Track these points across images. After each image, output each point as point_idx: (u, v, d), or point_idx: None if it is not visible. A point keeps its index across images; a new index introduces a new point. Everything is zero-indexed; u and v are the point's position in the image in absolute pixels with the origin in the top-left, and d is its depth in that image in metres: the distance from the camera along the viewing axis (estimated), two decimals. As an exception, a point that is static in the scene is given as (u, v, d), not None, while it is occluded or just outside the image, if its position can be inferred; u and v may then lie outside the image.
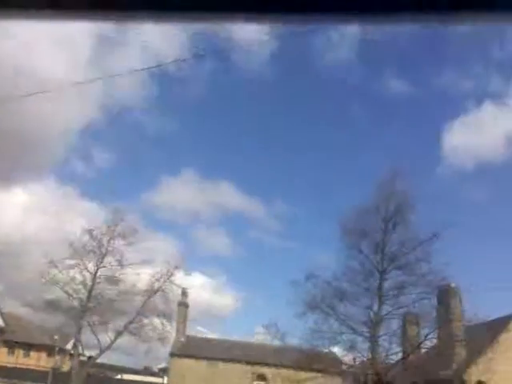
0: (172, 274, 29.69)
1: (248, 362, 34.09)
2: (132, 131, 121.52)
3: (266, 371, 33.91)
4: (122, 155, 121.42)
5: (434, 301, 22.99)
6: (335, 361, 25.80)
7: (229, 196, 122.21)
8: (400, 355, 24.30)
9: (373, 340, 22.50)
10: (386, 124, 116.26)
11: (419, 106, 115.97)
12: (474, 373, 23.65)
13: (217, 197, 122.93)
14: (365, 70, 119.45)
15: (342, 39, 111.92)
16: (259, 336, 24.34)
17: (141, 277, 29.17)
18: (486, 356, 23.93)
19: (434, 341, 24.32)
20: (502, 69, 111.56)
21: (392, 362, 23.86)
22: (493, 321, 23.15)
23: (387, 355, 23.52)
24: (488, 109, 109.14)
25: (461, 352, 24.74)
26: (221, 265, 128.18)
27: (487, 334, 24.22)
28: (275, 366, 33.30)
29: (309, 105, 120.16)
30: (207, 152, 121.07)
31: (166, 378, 39.40)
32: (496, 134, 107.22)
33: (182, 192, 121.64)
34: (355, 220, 23.65)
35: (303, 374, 27.94)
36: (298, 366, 28.39)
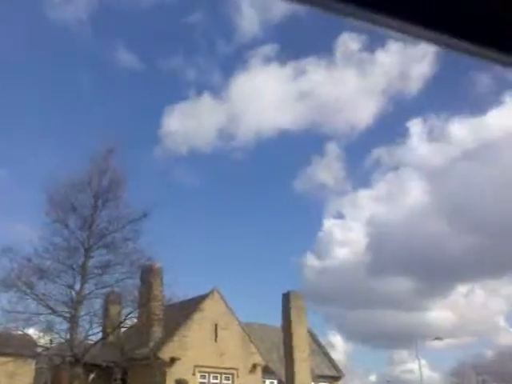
0: None
1: None
2: None
3: None
4: None
5: (138, 280, 23.62)
6: (29, 343, 24.34)
7: None
8: (100, 335, 24.33)
9: (72, 320, 21.87)
10: (108, 96, 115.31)
11: (145, 84, 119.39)
12: (168, 350, 25.24)
13: None
14: (96, 35, 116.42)
15: None
16: None
17: None
18: (180, 334, 25.86)
19: (135, 320, 25.10)
20: (225, 63, 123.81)
21: (91, 342, 23.65)
22: (189, 300, 25.06)
23: (87, 336, 23.18)
24: (206, 100, 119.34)
25: (158, 330, 26.14)
26: None
27: (183, 312, 26.18)
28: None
29: (28, 56, 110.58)
30: None
31: None
32: (210, 124, 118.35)
33: None
34: (64, 193, 22.44)
35: (-10, 360, 25.64)
36: (-15, 351, 25.93)
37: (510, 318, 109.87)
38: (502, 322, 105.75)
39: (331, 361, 35.17)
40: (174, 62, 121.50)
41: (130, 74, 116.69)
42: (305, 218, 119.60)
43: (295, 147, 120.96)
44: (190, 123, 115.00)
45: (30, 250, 21.83)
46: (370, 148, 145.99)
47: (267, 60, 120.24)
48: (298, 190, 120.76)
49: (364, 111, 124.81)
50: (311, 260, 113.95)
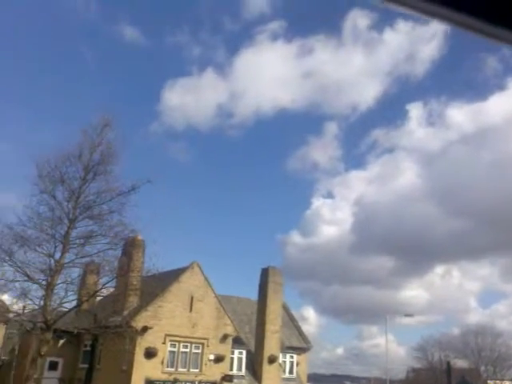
0: None
1: None
2: None
3: None
4: None
5: (119, 251, 23.65)
6: (2, 309, 24.19)
7: None
8: (75, 303, 24.36)
9: (48, 288, 21.80)
10: (111, 71, 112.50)
11: (148, 60, 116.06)
12: (141, 319, 25.55)
13: None
14: (101, 10, 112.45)
15: None
16: None
17: None
18: (156, 304, 26.15)
19: (112, 290, 25.16)
20: (230, 41, 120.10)
21: (65, 309, 23.69)
22: (168, 272, 25.30)
23: (61, 303, 23.19)
24: (208, 76, 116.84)
25: (134, 300, 26.40)
26: None
27: (162, 284, 26.42)
28: None
29: (31, 34, 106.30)
30: None
31: None
32: (210, 101, 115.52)
33: None
34: (54, 165, 22.19)
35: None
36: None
37: (481, 299, 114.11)
38: (473, 302, 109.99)
39: (301, 333, 36.25)
40: (178, 38, 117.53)
41: (133, 49, 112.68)
42: (294, 197, 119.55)
43: (293, 126, 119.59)
44: (189, 99, 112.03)
45: (14, 218, 21.62)
46: (368, 130, 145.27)
47: (274, 37, 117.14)
48: (290, 168, 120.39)
49: (367, 92, 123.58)
50: (296, 237, 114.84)
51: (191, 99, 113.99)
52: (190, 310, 27.19)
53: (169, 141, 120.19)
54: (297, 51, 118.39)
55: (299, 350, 34.36)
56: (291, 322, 36.61)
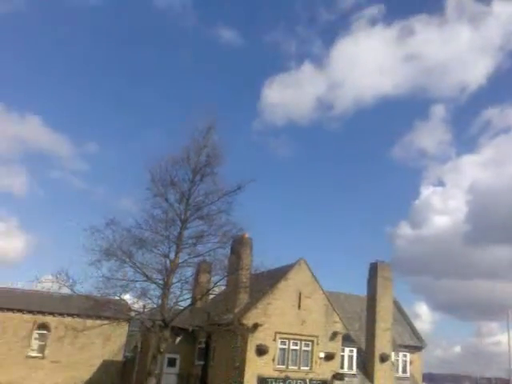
0: None
1: (29, 311, 32.14)
2: None
3: (49, 320, 32.43)
4: None
5: (228, 250, 24.45)
6: (124, 308, 25.85)
7: (34, 132, 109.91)
8: (189, 301, 25.43)
9: (165, 287, 22.99)
10: (210, 73, 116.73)
11: (246, 58, 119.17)
12: (252, 316, 26.13)
13: (21, 131, 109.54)
14: (198, 15, 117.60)
15: None
16: (47, 284, 22.77)
17: None
18: (265, 301, 26.67)
19: (223, 288, 26.06)
20: (326, 31, 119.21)
21: (181, 308, 24.79)
22: (276, 269, 25.67)
23: (177, 302, 24.24)
24: (306, 69, 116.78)
25: (244, 297, 27.16)
26: (14, 206, 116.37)
27: (270, 281, 26.93)
28: (60, 314, 32.11)
29: (134, 42, 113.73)
30: (17, 81, 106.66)
31: None
32: (309, 95, 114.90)
33: None
34: (165, 169, 23.46)
35: (89, 322, 27.52)
36: (85, 314, 27.83)
37: None
38: None
39: (414, 330, 35.18)
40: (274, 35, 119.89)
41: (231, 51, 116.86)
42: (401, 187, 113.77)
43: (396, 113, 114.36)
44: (288, 94, 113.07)
45: (132, 222, 22.99)
46: (480, 110, 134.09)
47: (371, 22, 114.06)
48: (395, 157, 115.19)
49: (477, 70, 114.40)
50: (405, 229, 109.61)
51: (290, 94, 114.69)
52: (299, 307, 27.40)
53: (269, 137, 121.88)
54: (397, 34, 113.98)
55: (412, 349, 33.31)
56: (403, 318, 35.62)
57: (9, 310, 31.76)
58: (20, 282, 34.66)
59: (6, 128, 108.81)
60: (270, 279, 26.16)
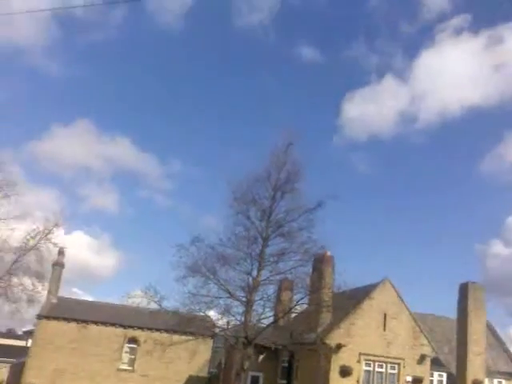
0: (50, 232, 27.93)
1: (121, 325, 33.73)
2: (27, 75, 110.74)
3: (139, 334, 33.82)
4: (10, 100, 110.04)
5: (310, 268, 24.37)
6: (209, 324, 26.37)
7: (123, 152, 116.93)
8: (272, 319, 25.58)
9: (248, 304, 23.27)
10: (290, 91, 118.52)
11: (324, 74, 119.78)
12: (335, 336, 25.72)
13: (111, 151, 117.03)
14: (279, 35, 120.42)
15: (262, 2, 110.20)
16: (136, 299, 23.81)
17: (15, 233, 27.06)
18: (348, 321, 26.19)
19: (305, 306, 25.94)
20: (408, 44, 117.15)
21: (263, 325, 24.93)
22: (359, 289, 25.20)
23: (259, 319, 24.44)
24: (387, 83, 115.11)
25: (326, 317, 26.82)
26: (106, 224, 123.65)
27: (353, 301, 26.43)
28: (149, 329, 33.39)
29: (217, 64, 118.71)
30: (107, 103, 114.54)
31: (29, 341, 37.62)
32: (391, 108, 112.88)
33: (73, 144, 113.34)
34: (246, 187, 23.96)
35: (176, 337, 28.40)
36: (172, 329, 28.77)
37: None
38: None
39: (510, 356, 32.97)
40: (353, 50, 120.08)
41: (310, 68, 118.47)
42: (492, 202, 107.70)
43: (485, 124, 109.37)
44: (369, 108, 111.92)
45: (215, 239, 23.54)
46: None
47: (457, 32, 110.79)
48: (484, 171, 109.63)
49: None
50: (498, 247, 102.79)
51: (371, 108, 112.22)
52: (384, 328, 26.62)
53: (350, 153, 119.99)
54: (485, 43, 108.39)
55: (508, 376, 31.20)
56: (498, 343, 33.49)
57: (102, 323, 33.51)
58: (111, 297, 36.50)
59: (99, 149, 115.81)
60: (352, 299, 25.67)
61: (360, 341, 26.04)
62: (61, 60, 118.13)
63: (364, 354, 26.05)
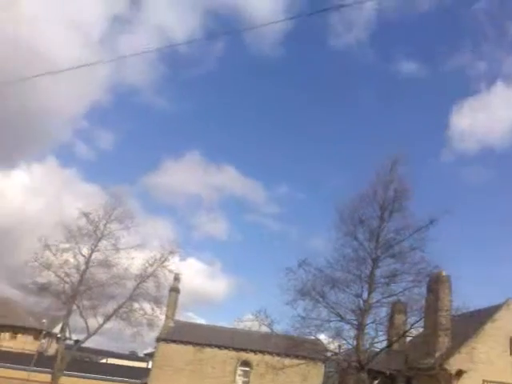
0: (166, 259, 29.68)
1: (234, 348, 34.50)
2: (139, 113, 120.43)
3: (251, 357, 34.33)
4: (126, 137, 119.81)
5: (424, 289, 23.31)
6: (320, 348, 26.13)
7: (230, 180, 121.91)
8: (385, 343, 24.71)
9: (359, 328, 22.75)
10: (391, 108, 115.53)
11: (429, 87, 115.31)
12: (455, 362, 24.21)
13: (218, 180, 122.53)
14: (377, 50, 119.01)
15: (357, 20, 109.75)
16: (248, 323, 24.31)
17: (135, 261, 29.19)
18: (469, 345, 24.56)
19: (420, 330, 24.80)
20: None
21: (377, 350, 24.18)
22: (479, 310, 23.70)
23: (372, 343, 23.73)
24: (498, 90, 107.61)
25: (445, 341, 25.29)
26: (217, 250, 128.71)
27: (472, 323, 24.83)
28: (261, 352, 33.80)
29: (317, 87, 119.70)
30: (214, 135, 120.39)
31: (150, 363, 39.67)
32: (503, 116, 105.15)
33: (183, 175, 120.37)
34: (352, 207, 23.74)
35: (287, 361, 28.45)
36: (283, 353, 28.87)
37: None
38: None
39: None
40: (458, 59, 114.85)
41: (411, 83, 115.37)
42: None
43: None
44: (480, 118, 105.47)
45: (323, 261, 23.50)
46: None
47: None
48: None
49: None
50: None
51: (482, 118, 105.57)
52: (511, 352, 24.65)
53: (460, 166, 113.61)
54: None
55: None
56: None
57: (216, 346, 34.51)
58: (223, 321, 37.67)
59: (207, 178, 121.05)
60: (472, 321, 24.09)
61: (483, 367, 24.27)
62: (167, 96, 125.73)
63: (489, 382, 24.21)
